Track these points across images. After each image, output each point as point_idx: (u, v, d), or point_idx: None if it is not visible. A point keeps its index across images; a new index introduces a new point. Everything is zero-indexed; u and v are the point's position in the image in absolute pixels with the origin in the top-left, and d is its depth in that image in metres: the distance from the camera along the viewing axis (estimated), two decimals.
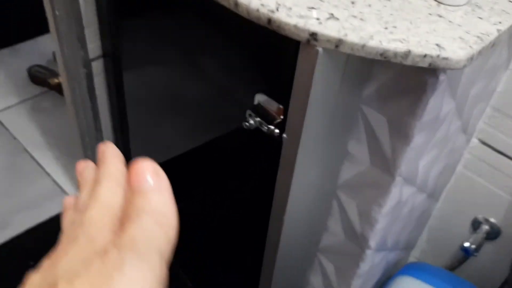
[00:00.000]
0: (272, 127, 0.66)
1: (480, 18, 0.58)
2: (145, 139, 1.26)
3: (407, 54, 0.51)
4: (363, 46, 0.52)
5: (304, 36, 0.53)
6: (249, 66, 0.77)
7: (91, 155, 1.19)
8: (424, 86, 0.59)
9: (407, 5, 0.58)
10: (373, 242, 0.79)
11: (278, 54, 0.66)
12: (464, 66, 0.52)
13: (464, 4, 0.60)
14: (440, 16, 0.57)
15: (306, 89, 0.58)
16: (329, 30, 0.53)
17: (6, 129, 1.61)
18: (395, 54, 0.52)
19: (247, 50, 0.76)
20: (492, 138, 0.94)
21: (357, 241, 0.81)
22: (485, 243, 1.03)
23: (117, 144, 1.20)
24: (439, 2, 0.59)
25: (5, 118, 1.65)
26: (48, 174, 1.51)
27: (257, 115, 0.67)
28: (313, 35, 0.53)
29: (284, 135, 0.64)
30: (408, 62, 0.52)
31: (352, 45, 0.52)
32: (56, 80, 1.72)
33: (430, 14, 0.57)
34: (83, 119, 1.13)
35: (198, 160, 1.16)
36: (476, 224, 1.04)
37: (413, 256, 1.21)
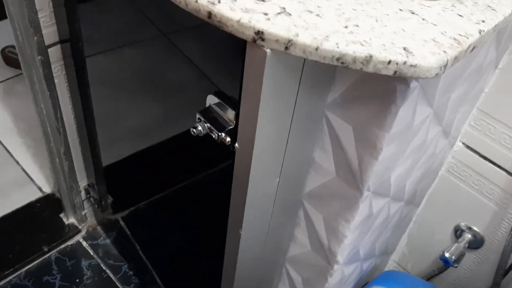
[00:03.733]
0: (223, 134, 0.58)
1: (460, 15, 0.50)
2: (113, 127, 1.19)
3: (368, 60, 0.44)
4: (317, 48, 0.44)
5: (249, 34, 0.45)
6: (205, 61, 0.69)
7: (55, 146, 1.12)
8: (393, 94, 0.52)
9: None
10: (341, 257, 0.72)
11: (230, 52, 0.58)
12: (437, 74, 0.45)
13: None
14: (412, 13, 0.49)
15: (256, 94, 0.50)
16: (278, 28, 0.45)
17: None
18: (354, 59, 0.44)
19: (203, 42, 0.68)
20: (477, 143, 0.87)
21: (324, 254, 0.74)
22: (467, 252, 0.96)
23: (81, 131, 1.12)
24: None
25: None
26: (17, 162, 1.44)
27: (207, 120, 0.59)
28: (259, 34, 0.45)
29: (236, 145, 0.57)
30: (370, 69, 0.44)
31: (304, 47, 0.44)
32: None
33: (400, 9, 0.49)
34: (42, 108, 1.05)
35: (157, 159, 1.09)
36: (458, 232, 0.97)
37: (393, 260, 1.15)
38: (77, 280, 1.23)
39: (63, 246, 1.29)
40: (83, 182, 1.23)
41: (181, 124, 1.01)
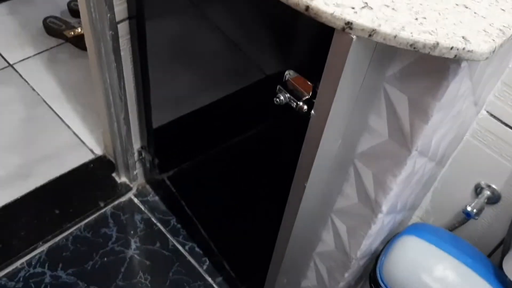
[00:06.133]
0: (301, 103, 0.71)
1: (503, 10, 0.62)
2: (165, 95, 1.30)
3: (435, 46, 0.56)
4: (395, 36, 0.56)
5: (340, 25, 0.58)
6: (280, 42, 0.81)
7: (114, 112, 1.24)
8: (446, 71, 0.64)
9: None
10: (385, 207, 0.86)
11: (310, 34, 0.70)
12: (487, 58, 0.57)
13: None
14: (466, 7, 0.61)
15: (338, 73, 0.63)
16: (364, 19, 0.57)
17: (25, 80, 1.65)
18: (424, 45, 0.56)
19: (279, 24, 0.80)
20: (500, 111, 0.99)
21: (370, 205, 0.88)
22: (485, 207, 1.10)
23: (139, 99, 1.25)
24: None
25: (23, 69, 1.68)
26: (67, 126, 1.57)
27: (287, 91, 0.72)
28: (349, 24, 0.57)
29: (313, 112, 0.69)
30: (436, 53, 0.56)
31: (385, 35, 0.56)
32: (71, 33, 1.75)
33: (457, 4, 0.61)
34: (107, 78, 1.17)
35: (218, 117, 1.21)
36: (478, 189, 1.11)
37: (417, 216, 1.29)
38: (132, 232, 1.38)
39: (116, 202, 1.43)
40: (137, 145, 1.36)
41: (225, 87, 1.14)
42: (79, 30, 1.72)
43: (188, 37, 1.13)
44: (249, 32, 0.93)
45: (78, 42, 1.73)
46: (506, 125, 1.00)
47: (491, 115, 1.01)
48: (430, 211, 1.24)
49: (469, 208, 1.06)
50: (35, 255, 1.29)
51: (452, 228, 1.19)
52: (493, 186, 1.08)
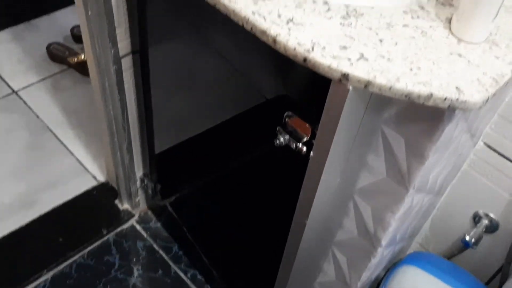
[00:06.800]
0: (300, 145, 0.73)
1: (497, 57, 0.64)
2: (167, 122, 1.33)
3: (430, 97, 0.58)
4: (390, 88, 0.58)
5: (336, 76, 0.60)
6: (279, 83, 0.83)
7: (118, 142, 1.26)
8: (441, 116, 0.66)
9: (430, 43, 0.64)
10: (384, 241, 0.88)
11: (309, 79, 0.72)
12: (480, 107, 0.59)
13: (483, 41, 0.65)
14: (460, 56, 0.63)
15: (335, 118, 0.65)
16: (360, 71, 0.59)
17: (29, 107, 1.67)
18: (419, 96, 0.58)
19: (280, 66, 0.82)
20: (496, 142, 1.01)
21: (369, 239, 0.89)
22: (483, 235, 1.11)
23: (142, 127, 1.27)
24: (459, 39, 0.65)
25: (27, 96, 1.71)
26: (71, 152, 1.59)
27: (286, 132, 0.74)
28: (345, 76, 0.59)
29: (312, 154, 0.71)
30: (430, 103, 0.58)
31: (380, 86, 0.58)
32: (75, 59, 1.77)
33: (451, 53, 0.63)
34: (110, 110, 1.19)
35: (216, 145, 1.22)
36: (476, 218, 1.12)
37: (416, 241, 1.30)
38: (134, 259, 1.39)
39: (119, 229, 1.45)
40: (139, 172, 1.38)
41: (225, 113, 1.16)
42: (82, 56, 1.75)
43: (191, 65, 1.16)
44: (251, 66, 0.96)
45: (81, 68, 1.76)
46: (503, 156, 1.02)
47: (488, 146, 1.03)
48: (429, 237, 1.26)
49: (467, 238, 1.08)
50: (40, 283, 1.30)
51: (451, 255, 1.20)
52: (491, 215, 1.10)
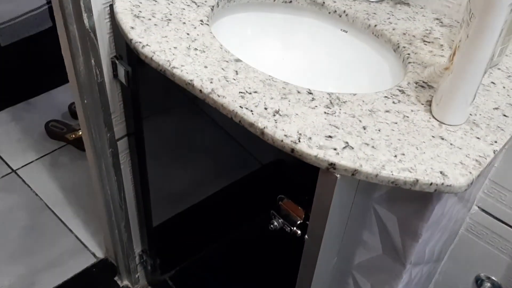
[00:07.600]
0: (294, 228, 0.73)
1: (478, 138, 0.66)
2: (164, 195, 1.34)
3: (415, 183, 0.59)
4: (376, 175, 0.60)
5: (323, 165, 0.61)
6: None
7: (115, 221, 1.27)
8: (430, 197, 0.67)
9: (412, 127, 0.66)
10: None
11: (299, 165, 0.74)
12: (465, 190, 0.60)
13: (463, 123, 0.68)
14: (443, 139, 0.65)
15: (327, 203, 0.66)
16: (346, 160, 0.61)
17: (28, 186, 1.69)
18: (405, 182, 0.60)
19: (272, 156, 0.84)
20: (490, 206, 1.02)
21: None
22: None
23: (139, 205, 1.28)
24: (440, 122, 0.67)
25: (26, 175, 1.73)
26: (70, 230, 1.58)
27: (280, 216, 0.75)
28: (332, 165, 0.61)
29: (306, 237, 0.72)
30: (417, 188, 0.60)
31: (367, 175, 0.60)
32: (73, 135, 1.81)
33: (433, 136, 0.65)
34: (108, 190, 1.20)
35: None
36: (479, 281, 1.11)
37: None
38: None
39: None
40: (138, 249, 1.38)
41: (221, 181, 1.18)
42: (80, 133, 1.79)
43: (186, 136, 1.19)
44: (246, 134, 0.98)
45: (79, 144, 1.78)
46: (498, 219, 1.02)
47: (483, 210, 1.03)
48: None
49: None
50: None
51: None
52: (493, 278, 1.09)
